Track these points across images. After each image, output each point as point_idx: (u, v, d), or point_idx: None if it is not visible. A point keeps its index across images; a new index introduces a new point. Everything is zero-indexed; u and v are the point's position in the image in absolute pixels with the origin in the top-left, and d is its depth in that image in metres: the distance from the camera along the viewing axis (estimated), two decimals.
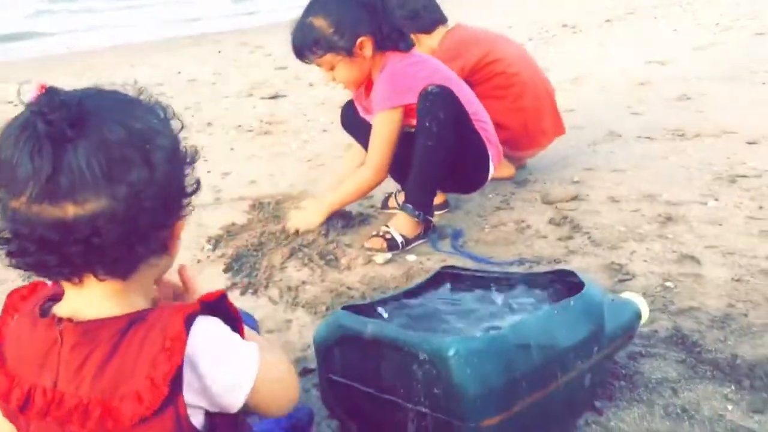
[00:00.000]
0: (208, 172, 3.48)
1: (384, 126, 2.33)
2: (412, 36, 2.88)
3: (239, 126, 4.45)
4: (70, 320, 0.93)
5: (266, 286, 2.19)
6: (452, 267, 1.64)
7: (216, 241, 2.55)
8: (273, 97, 5.28)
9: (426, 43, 2.97)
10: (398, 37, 2.35)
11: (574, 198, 2.71)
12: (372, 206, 2.78)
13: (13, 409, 0.95)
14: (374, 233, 2.40)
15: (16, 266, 0.91)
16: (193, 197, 1.01)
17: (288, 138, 4.05)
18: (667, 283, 2.02)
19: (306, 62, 2.43)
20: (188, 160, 1.00)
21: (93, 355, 0.91)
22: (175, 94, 5.79)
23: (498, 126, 2.76)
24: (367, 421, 1.40)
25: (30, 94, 0.88)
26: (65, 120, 0.85)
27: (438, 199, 2.63)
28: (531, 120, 2.90)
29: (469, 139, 2.35)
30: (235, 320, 1.02)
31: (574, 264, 2.17)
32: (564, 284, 1.51)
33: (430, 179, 2.35)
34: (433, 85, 2.27)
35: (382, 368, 1.33)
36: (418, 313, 1.47)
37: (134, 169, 0.88)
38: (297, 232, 2.48)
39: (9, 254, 0.90)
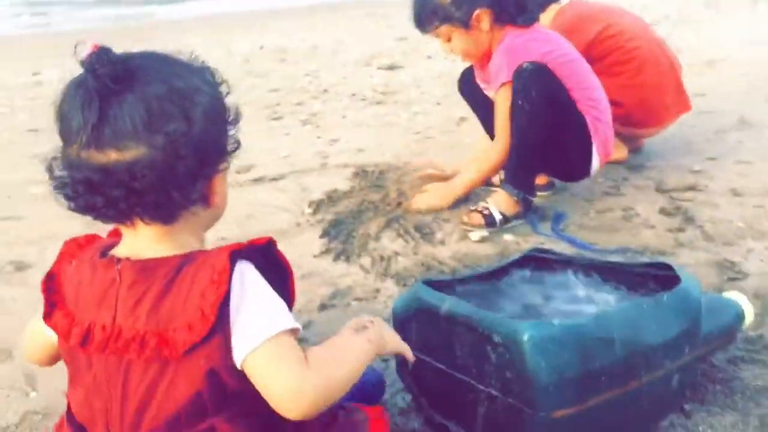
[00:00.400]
0: (318, 137, 3.53)
1: (504, 103, 2.26)
2: None
3: (353, 94, 4.48)
4: (128, 259, 1.01)
5: (359, 254, 2.19)
6: (541, 250, 1.57)
7: (317, 206, 2.58)
8: (390, 68, 5.28)
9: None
10: (517, 11, 2.27)
11: (692, 188, 2.55)
12: None
13: (73, 345, 1.01)
14: (472, 208, 2.35)
15: (71, 208, 1.00)
16: (231, 155, 1.08)
17: (399, 109, 4.04)
18: None
19: (424, 33, 2.40)
20: (230, 120, 1.07)
21: (149, 291, 0.98)
22: (297, 60, 5.92)
23: (614, 104, 2.61)
24: (438, 398, 1.38)
25: (84, 52, 0.95)
26: (111, 75, 0.93)
27: (542, 179, 2.55)
28: (651, 95, 2.74)
29: (568, 121, 2.26)
30: (283, 269, 1.08)
31: (681, 258, 2.04)
32: (658, 278, 1.42)
33: (526, 158, 2.27)
34: (528, 62, 2.19)
35: (456, 346, 1.29)
36: (497, 294, 1.43)
37: (172, 121, 0.96)
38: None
39: (65, 197, 0.99)
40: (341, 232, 2.35)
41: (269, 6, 10.41)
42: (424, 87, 4.54)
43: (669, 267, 1.40)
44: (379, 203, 2.56)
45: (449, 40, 2.35)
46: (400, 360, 1.35)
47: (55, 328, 1.04)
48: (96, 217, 1.01)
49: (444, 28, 2.32)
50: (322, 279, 2.05)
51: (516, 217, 2.32)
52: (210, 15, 10.05)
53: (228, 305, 0.96)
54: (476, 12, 2.26)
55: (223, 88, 1.07)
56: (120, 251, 1.04)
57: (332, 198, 2.65)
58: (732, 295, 1.50)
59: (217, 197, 1.07)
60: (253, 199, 2.70)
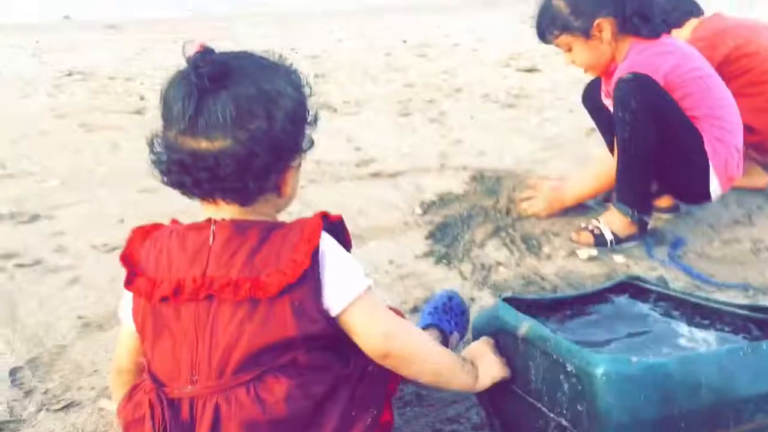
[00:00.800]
0: (443, 136, 3.52)
1: None
2: None
3: (486, 95, 4.43)
4: (223, 220, 1.15)
5: (461, 260, 2.17)
6: (639, 278, 1.49)
7: (427, 207, 2.57)
8: (528, 70, 5.17)
9: (676, 36, 2.72)
10: (641, 22, 2.15)
11: None
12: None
13: (160, 300, 1.13)
14: (583, 226, 2.26)
15: (164, 182, 1.16)
16: (307, 152, 1.22)
17: (530, 113, 3.95)
18: None
19: (546, 42, 2.34)
20: (309, 121, 1.20)
21: (243, 246, 1.12)
22: (437, 56, 5.93)
23: (746, 128, 2.45)
24: (509, 420, 1.35)
25: (191, 50, 1.11)
26: (210, 74, 1.08)
27: (665, 201, 2.42)
28: None
29: (679, 136, 2.12)
30: (347, 242, 1.23)
31: None
32: (765, 324, 1.31)
33: (633, 173, 2.16)
34: (630, 73, 2.08)
35: (531, 370, 1.26)
36: (582, 321, 1.37)
37: (256, 120, 1.10)
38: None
39: (160, 172, 1.15)
40: (447, 236, 2.34)
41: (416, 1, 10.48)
42: (559, 92, 4.41)
43: None
44: (491, 209, 2.52)
45: (570, 50, 2.27)
46: None
47: (137, 291, 1.17)
48: (183, 193, 1.17)
49: (564, 38, 2.25)
50: (419, 281, 2.05)
51: (630, 238, 2.22)
52: (353, 8, 10.25)
53: (317, 258, 1.12)
54: (597, 21, 2.16)
55: (306, 90, 1.19)
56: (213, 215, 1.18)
57: (444, 200, 2.64)
58: None
59: (288, 188, 1.20)
60: (367, 194, 2.74)
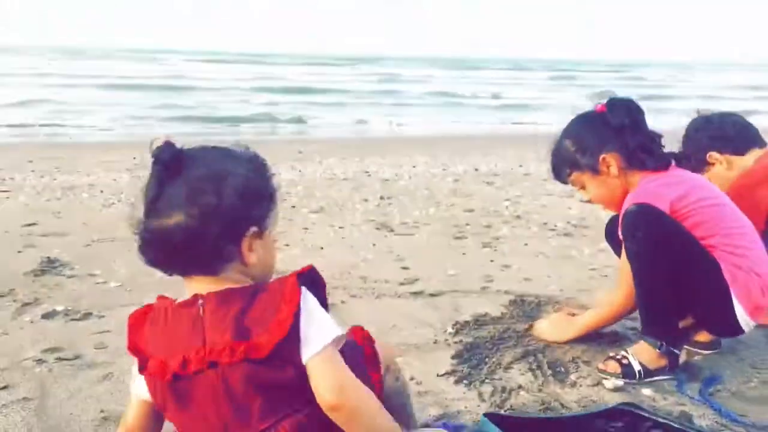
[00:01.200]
0: (492, 261, 3.55)
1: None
2: (721, 156, 2.70)
3: (545, 223, 4.47)
4: (208, 293, 1.26)
5: (483, 381, 2.14)
6: (633, 405, 1.45)
7: (460, 327, 2.58)
8: (591, 201, 5.18)
9: (738, 165, 2.74)
10: (645, 156, 2.20)
11: None
12: (633, 328, 2.56)
13: (173, 376, 1.24)
14: (611, 355, 2.21)
15: (144, 262, 1.31)
16: (262, 224, 1.33)
17: (585, 243, 3.94)
18: None
19: (561, 181, 2.42)
20: (267, 196, 1.34)
21: (231, 311, 1.24)
22: (505, 185, 6.04)
23: None
24: None
25: (155, 145, 1.30)
26: (168, 163, 1.26)
27: (704, 337, 2.34)
28: None
29: (694, 265, 2.09)
30: (321, 287, 1.34)
31: None
32: None
33: (651, 306, 2.14)
34: (634, 204, 2.09)
35: None
36: None
37: (205, 196, 1.25)
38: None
39: (140, 252, 1.30)
40: (474, 357, 2.32)
41: (493, 131, 10.79)
42: None
43: None
44: (524, 334, 2.50)
45: (584, 188, 2.33)
46: None
47: (151, 374, 1.28)
48: (162, 270, 1.32)
49: (575, 176, 2.32)
50: (435, 399, 2.03)
51: (660, 371, 2.14)
52: (431, 137, 10.62)
53: (299, 318, 1.23)
54: (602, 156, 2.23)
55: (267, 172, 1.37)
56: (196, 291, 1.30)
57: (479, 321, 2.64)
58: None
59: (253, 257, 1.31)
60: (404, 311, 2.77)
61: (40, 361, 2.26)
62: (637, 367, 2.14)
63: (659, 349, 2.13)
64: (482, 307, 2.80)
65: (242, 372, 1.22)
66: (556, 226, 4.40)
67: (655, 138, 2.27)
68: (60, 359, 2.29)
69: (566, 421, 1.41)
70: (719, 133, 2.75)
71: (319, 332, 1.25)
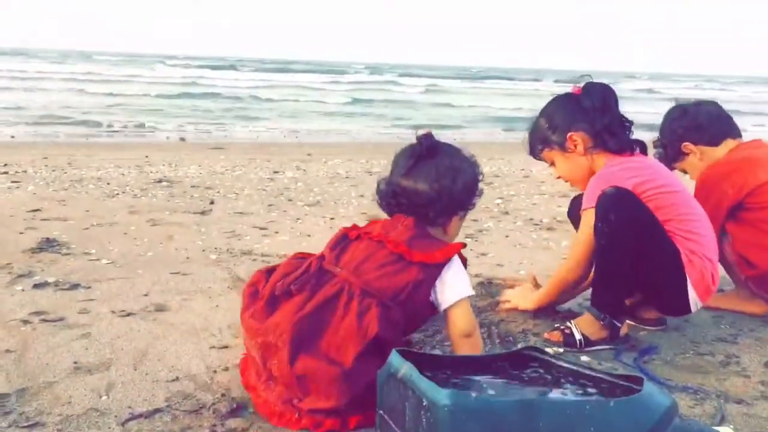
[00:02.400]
0: (471, 250, 3.67)
1: (584, 225, 2.31)
2: (695, 147, 2.77)
3: (530, 219, 4.59)
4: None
5: (433, 347, 2.28)
6: (538, 350, 1.58)
7: None
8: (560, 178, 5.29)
9: (710, 156, 2.77)
10: (609, 137, 2.33)
11: None
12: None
13: (356, 235, 1.98)
14: (557, 326, 2.34)
15: (380, 207, 2.04)
16: (469, 209, 2.05)
17: (565, 237, 4.06)
18: None
19: (535, 157, 2.54)
20: (477, 194, 2.03)
21: (411, 231, 1.92)
22: (502, 185, 6.16)
23: (747, 261, 2.58)
24: None
25: (420, 133, 1.97)
26: (425, 148, 1.93)
27: (653, 314, 2.46)
28: None
29: (657, 249, 2.20)
30: (464, 262, 1.94)
31: (755, 408, 1.86)
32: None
33: (609, 281, 2.24)
34: (611, 187, 2.19)
35: (406, 409, 1.37)
36: (464, 376, 1.47)
37: (445, 180, 1.91)
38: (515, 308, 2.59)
39: (380, 198, 2.02)
40: (431, 327, 2.45)
41: (505, 138, 10.87)
42: None
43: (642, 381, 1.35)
44: (484, 309, 2.64)
45: (553, 164, 2.45)
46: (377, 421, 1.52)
47: (351, 233, 2.01)
48: (388, 212, 2.01)
49: (546, 153, 2.45)
50: None
51: (600, 341, 2.27)
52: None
53: (448, 263, 1.86)
54: (569, 134, 2.35)
55: (480, 174, 2.04)
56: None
57: None
58: (723, 430, 1.38)
59: (451, 230, 2.03)
60: None
61: (25, 322, 2.43)
62: (578, 336, 2.26)
63: (602, 321, 2.25)
64: None
65: (388, 257, 1.84)
66: (541, 221, 4.53)
67: (623, 122, 2.37)
68: (44, 321, 2.46)
69: (477, 360, 1.54)
70: (693, 124, 2.77)
71: (464, 283, 1.88)
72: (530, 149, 2.53)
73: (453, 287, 1.84)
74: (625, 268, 2.20)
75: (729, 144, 2.76)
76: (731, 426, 1.70)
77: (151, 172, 6.34)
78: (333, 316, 1.72)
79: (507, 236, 4.06)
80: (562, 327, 2.31)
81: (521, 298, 2.61)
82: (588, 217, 2.27)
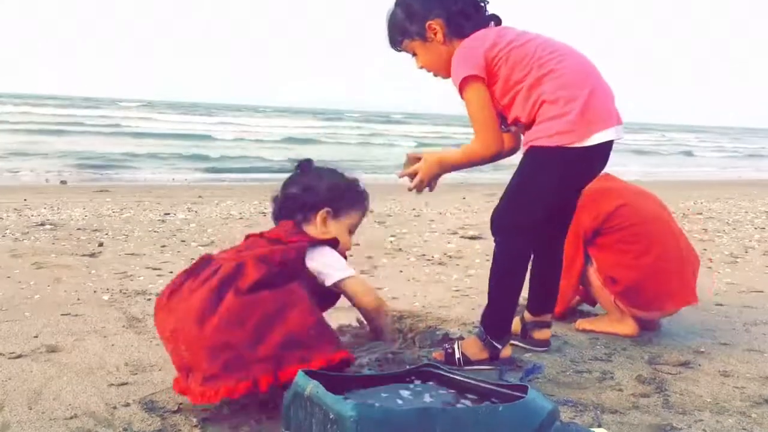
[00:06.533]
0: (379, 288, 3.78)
1: (470, 103, 2.29)
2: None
3: (423, 255, 4.76)
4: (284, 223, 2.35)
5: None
6: (437, 366, 1.70)
7: None
8: (471, 237, 5.54)
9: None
10: (464, 21, 2.33)
11: (684, 364, 2.53)
12: None
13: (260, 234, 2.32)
14: (445, 346, 2.46)
15: (272, 217, 2.43)
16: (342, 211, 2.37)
17: (456, 270, 4.25)
18: None
19: (396, 50, 2.48)
20: (351, 199, 2.39)
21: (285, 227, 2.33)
22: (394, 224, 6.32)
23: (611, 279, 2.82)
24: None
25: (301, 159, 2.46)
26: (301, 168, 2.41)
27: (541, 335, 2.64)
28: (648, 280, 2.78)
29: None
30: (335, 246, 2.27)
31: (628, 417, 2.05)
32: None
33: (496, 305, 2.40)
34: (509, 221, 2.36)
35: (314, 426, 1.44)
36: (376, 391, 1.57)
37: (312, 181, 2.35)
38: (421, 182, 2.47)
39: (273, 211, 2.42)
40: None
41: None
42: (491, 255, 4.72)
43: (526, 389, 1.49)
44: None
45: (415, 54, 2.43)
46: None
47: None
48: (274, 220, 2.39)
49: (407, 43, 2.42)
50: None
51: (481, 362, 2.39)
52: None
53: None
54: (428, 23, 2.35)
55: (356, 184, 2.41)
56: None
57: (342, 330, 2.85)
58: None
59: (331, 229, 2.32)
60: None
61: None
62: (457, 356, 2.39)
63: (483, 342, 2.40)
64: (345, 318, 3.02)
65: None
66: (433, 257, 4.71)
67: (477, 4, 2.39)
68: None
69: (374, 378, 1.63)
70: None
71: (341, 262, 2.23)
72: (390, 41, 2.47)
73: (333, 266, 2.19)
74: (512, 296, 2.36)
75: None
76: (606, 430, 1.88)
77: (32, 216, 6.12)
78: (217, 287, 1.99)
79: (401, 271, 4.21)
80: (446, 347, 2.44)
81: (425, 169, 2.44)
82: (468, 94, 2.28)
